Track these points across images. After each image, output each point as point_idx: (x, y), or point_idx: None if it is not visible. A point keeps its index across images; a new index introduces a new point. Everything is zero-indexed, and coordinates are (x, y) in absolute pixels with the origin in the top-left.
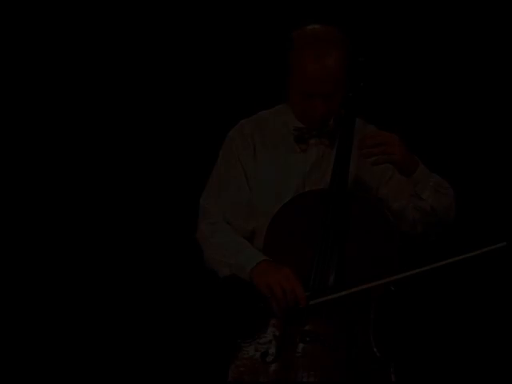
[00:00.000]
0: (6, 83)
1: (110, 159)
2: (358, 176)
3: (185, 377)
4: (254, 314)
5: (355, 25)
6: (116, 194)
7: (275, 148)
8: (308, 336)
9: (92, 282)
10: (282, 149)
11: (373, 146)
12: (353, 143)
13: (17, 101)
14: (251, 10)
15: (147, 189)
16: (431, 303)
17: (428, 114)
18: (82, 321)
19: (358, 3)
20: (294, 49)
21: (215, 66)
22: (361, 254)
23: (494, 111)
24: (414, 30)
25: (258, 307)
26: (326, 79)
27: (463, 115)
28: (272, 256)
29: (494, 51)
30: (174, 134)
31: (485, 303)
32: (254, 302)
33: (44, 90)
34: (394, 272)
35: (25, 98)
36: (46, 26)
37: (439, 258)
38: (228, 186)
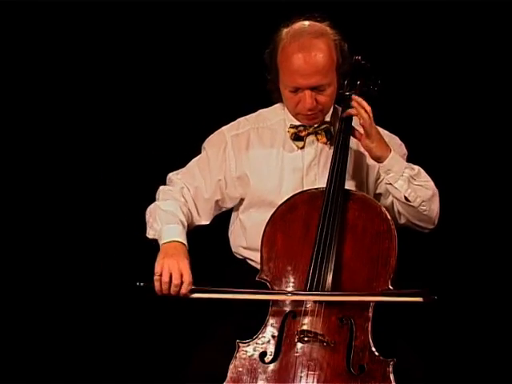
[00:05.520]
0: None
1: (110, 157)
2: (356, 175)
3: (184, 377)
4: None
5: (352, 24)
6: (115, 193)
7: (272, 145)
8: (306, 335)
9: (91, 280)
10: (279, 146)
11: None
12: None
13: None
14: (251, 10)
15: (146, 188)
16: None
17: (426, 112)
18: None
19: (355, 3)
20: (280, 44)
21: (215, 64)
22: (359, 253)
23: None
24: (411, 28)
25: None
26: (311, 71)
27: (463, 116)
28: (270, 256)
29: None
30: (172, 133)
31: (485, 303)
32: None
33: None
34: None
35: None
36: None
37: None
38: (199, 175)
